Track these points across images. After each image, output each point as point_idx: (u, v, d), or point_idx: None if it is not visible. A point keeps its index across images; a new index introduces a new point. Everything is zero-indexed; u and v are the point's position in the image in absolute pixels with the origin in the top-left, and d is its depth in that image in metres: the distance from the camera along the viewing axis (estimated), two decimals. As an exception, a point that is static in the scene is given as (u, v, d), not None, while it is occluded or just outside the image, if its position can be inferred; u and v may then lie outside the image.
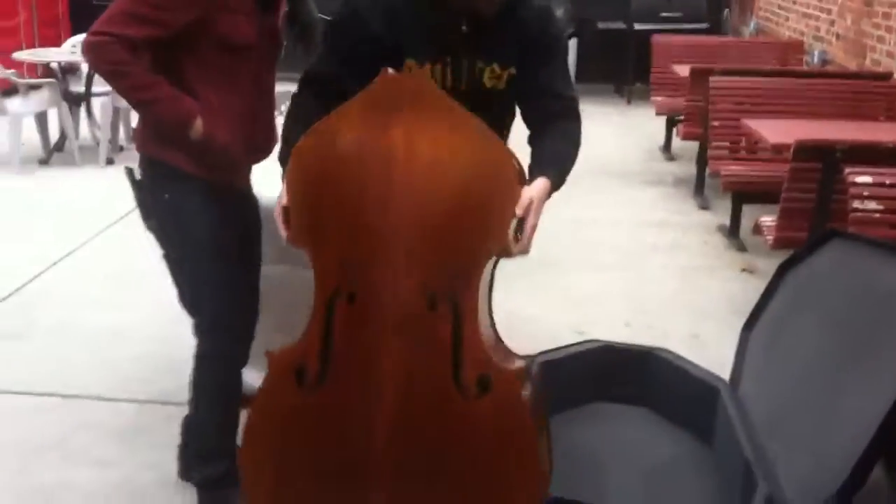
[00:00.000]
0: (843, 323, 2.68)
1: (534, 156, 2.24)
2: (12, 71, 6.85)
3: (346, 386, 2.10)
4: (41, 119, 6.85)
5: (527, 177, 2.15)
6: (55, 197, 5.99)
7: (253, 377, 3.14)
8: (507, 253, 2.07)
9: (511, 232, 2.03)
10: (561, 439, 2.99)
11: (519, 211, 2.03)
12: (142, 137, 2.51)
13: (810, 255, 2.99)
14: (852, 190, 3.05)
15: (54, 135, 6.98)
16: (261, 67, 2.48)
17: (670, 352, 3.23)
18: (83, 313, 4.12)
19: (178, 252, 2.55)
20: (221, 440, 2.57)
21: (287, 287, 3.07)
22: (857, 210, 3.05)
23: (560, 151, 2.26)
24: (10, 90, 6.79)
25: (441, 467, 2.11)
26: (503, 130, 2.45)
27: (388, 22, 2.22)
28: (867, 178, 3.04)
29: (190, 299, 2.59)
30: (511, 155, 2.08)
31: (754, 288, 4.46)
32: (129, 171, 2.58)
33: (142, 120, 2.51)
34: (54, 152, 6.90)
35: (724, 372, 3.07)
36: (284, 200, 2.13)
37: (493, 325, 2.32)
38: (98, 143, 6.86)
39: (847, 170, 3.10)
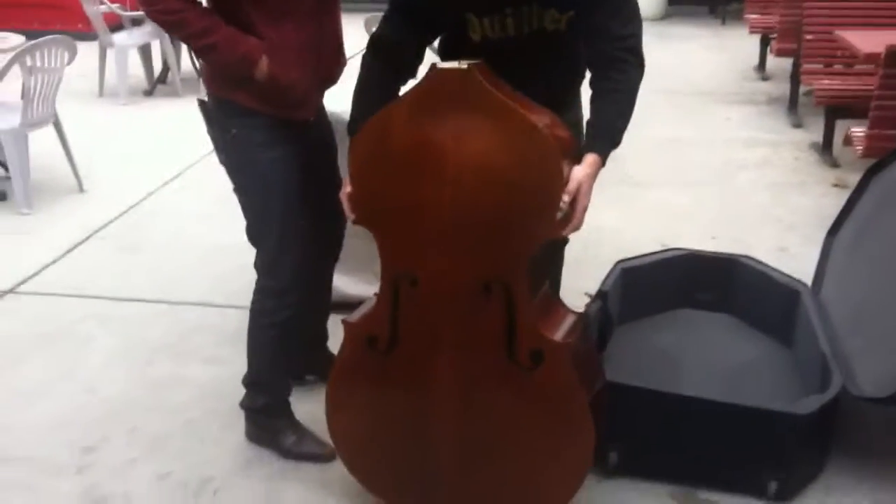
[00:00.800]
0: (925, 222, 2.71)
1: (589, 122, 2.22)
2: (117, 5, 7.12)
3: (412, 355, 2.29)
4: (145, 52, 7.13)
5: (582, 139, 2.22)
6: (161, 125, 6.28)
7: (351, 285, 3.37)
8: (557, 237, 2.17)
9: (560, 215, 2.09)
10: (643, 343, 3.11)
11: (566, 197, 2.05)
12: (208, 75, 2.49)
13: (895, 159, 2.99)
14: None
15: (158, 67, 7.26)
16: None
17: (752, 258, 3.29)
18: (192, 229, 4.38)
19: (243, 186, 2.56)
20: (271, 375, 2.67)
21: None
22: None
23: (612, 117, 2.21)
24: (115, 25, 7.08)
25: (498, 427, 2.27)
26: (577, 72, 2.48)
27: None
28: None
29: (252, 234, 2.61)
30: (559, 141, 2.11)
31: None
32: (202, 104, 2.57)
33: None
34: (157, 84, 7.18)
35: (810, 281, 3.13)
36: (348, 188, 2.23)
37: (548, 288, 2.43)
38: (199, 76, 7.12)
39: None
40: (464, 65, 2.12)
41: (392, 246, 2.26)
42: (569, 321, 2.37)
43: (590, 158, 2.13)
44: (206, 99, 2.53)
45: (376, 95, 2.29)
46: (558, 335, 2.27)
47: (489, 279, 2.19)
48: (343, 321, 2.37)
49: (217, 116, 2.50)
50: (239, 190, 2.57)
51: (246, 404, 2.72)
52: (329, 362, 2.78)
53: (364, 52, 2.37)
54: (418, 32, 2.33)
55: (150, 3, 2.28)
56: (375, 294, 2.37)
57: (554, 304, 2.44)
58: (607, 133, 2.19)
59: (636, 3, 2.29)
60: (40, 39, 4.53)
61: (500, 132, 2.10)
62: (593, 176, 2.12)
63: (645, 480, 2.54)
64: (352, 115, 2.34)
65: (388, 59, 2.33)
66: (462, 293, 2.21)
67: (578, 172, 2.10)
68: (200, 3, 2.34)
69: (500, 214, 2.14)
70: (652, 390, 2.51)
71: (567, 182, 2.09)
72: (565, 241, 2.67)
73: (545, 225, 2.13)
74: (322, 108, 2.67)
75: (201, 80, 2.51)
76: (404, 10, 2.32)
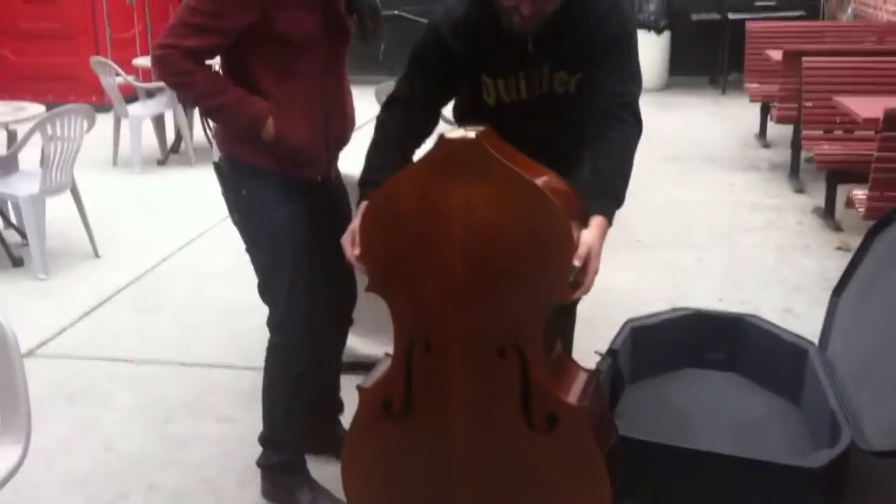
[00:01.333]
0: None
1: (591, 182, 2.28)
2: (132, 76, 7.30)
3: (427, 419, 2.33)
4: (159, 122, 7.29)
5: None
6: (175, 192, 6.40)
7: (364, 346, 3.42)
8: (566, 301, 2.22)
9: (571, 278, 2.15)
10: (653, 401, 3.16)
11: (577, 262, 2.09)
12: (221, 136, 2.55)
13: (899, 217, 3.07)
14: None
15: (171, 137, 7.41)
16: (329, 59, 2.50)
17: (759, 318, 3.35)
18: (206, 291, 4.46)
19: (253, 244, 2.60)
20: (285, 431, 2.69)
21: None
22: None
23: (611, 177, 2.27)
24: (129, 97, 7.24)
25: (516, 488, 2.31)
26: (583, 134, 2.45)
27: (466, 44, 2.34)
28: (953, 141, 3.10)
29: (263, 291, 2.65)
30: (567, 205, 2.16)
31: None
32: (217, 166, 2.60)
33: None
34: (171, 153, 7.33)
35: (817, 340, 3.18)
36: (356, 224, 2.27)
37: (561, 348, 2.47)
38: (211, 144, 7.25)
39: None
40: (471, 133, 2.18)
41: (404, 312, 2.31)
42: (582, 380, 2.41)
43: (596, 221, 2.18)
44: (219, 161, 2.59)
45: (390, 155, 2.35)
46: (573, 398, 2.31)
47: (503, 344, 2.23)
48: (358, 387, 2.41)
49: (230, 177, 2.55)
50: (250, 248, 2.62)
51: (262, 462, 2.75)
52: (342, 440, 2.84)
53: (379, 113, 2.44)
54: (434, 93, 2.42)
55: (161, 66, 2.34)
56: (388, 355, 2.43)
57: (567, 364, 2.49)
58: (609, 192, 2.25)
59: (638, 67, 2.38)
60: (60, 108, 4.66)
61: (509, 199, 2.15)
62: (601, 238, 2.17)
63: (659, 535, 2.56)
64: (362, 176, 2.38)
65: (404, 119, 2.40)
66: (476, 358, 2.25)
67: (587, 236, 2.14)
68: (210, 66, 2.41)
69: (511, 280, 2.18)
70: (666, 445, 2.55)
71: (577, 246, 2.14)
72: (576, 300, 2.74)
73: (556, 289, 2.18)
74: (336, 169, 2.73)
75: (214, 143, 2.60)
76: (422, 70, 2.40)
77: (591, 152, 2.33)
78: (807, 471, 2.46)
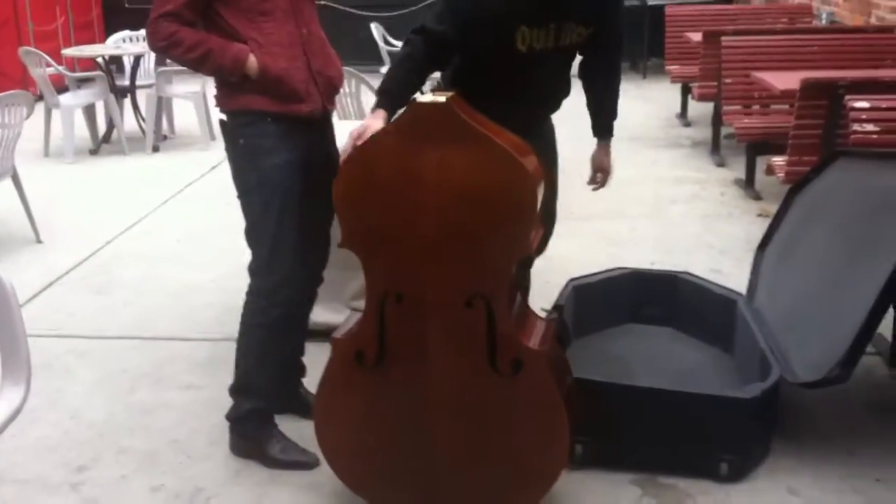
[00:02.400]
0: (847, 225, 3.02)
1: (595, 113, 3.10)
2: (63, 66, 7.25)
3: (399, 368, 2.49)
4: (89, 112, 7.27)
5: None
6: (110, 180, 6.41)
7: (320, 314, 3.54)
8: (531, 253, 2.43)
9: (596, 187, 2.96)
10: (596, 353, 3.35)
11: (600, 175, 3.10)
12: (219, 96, 2.72)
13: (817, 175, 3.32)
14: (852, 115, 3.38)
15: (102, 127, 7.39)
16: (295, 2, 2.67)
17: (692, 274, 3.58)
18: (155, 271, 4.52)
19: (245, 189, 2.71)
20: (258, 377, 2.79)
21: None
22: (856, 132, 3.38)
23: (613, 109, 3.10)
24: (59, 88, 7.20)
25: (486, 429, 2.48)
26: (568, 89, 3.00)
27: (510, 8, 2.66)
28: (865, 104, 3.37)
29: (249, 235, 2.75)
30: (532, 166, 2.37)
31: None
32: (222, 123, 2.75)
33: (216, 81, 2.73)
34: (103, 143, 7.31)
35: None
36: (360, 126, 2.50)
37: (523, 299, 2.67)
38: (144, 133, 7.27)
39: (847, 97, 3.43)
40: (442, 98, 2.36)
41: (377, 266, 2.46)
42: (541, 327, 2.60)
43: (606, 146, 3.10)
44: (224, 119, 2.73)
45: (411, 73, 2.69)
46: (534, 343, 2.49)
47: (471, 294, 2.39)
48: (331, 337, 2.54)
49: (231, 129, 2.70)
50: (241, 194, 2.73)
51: (232, 415, 2.85)
52: (306, 401, 2.96)
53: (409, 35, 2.73)
54: (460, 37, 2.70)
55: (151, 36, 2.60)
56: (358, 310, 2.57)
57: (528, 313, 2.66)
58: (610, 123, 3.10)
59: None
60: (1, 94, 4.66)
61: (478, 159, 2.32)
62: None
63: (609, 471, 2.75)
64: (382, 85, 2.67)
65: (429, 49, 2.69)
66: (445, 308, 2.41)
67: (606, 161, 3.10)
68: (193, 25, 2.62)
69: (480, 234, 2.35)
70: (613, 383, 2.75)
71: (537, 206, 2.35)
72: (531, 259, 2.94)
73: (523, 243, 2.37)
74: (330, 119, 2.86)
75: (215, 100, 2.75)
76: (461, 19, 2.68)
77: (597, 86, 3.07)
78: (742, 401, 2.68)
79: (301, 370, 3.09)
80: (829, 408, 3.09)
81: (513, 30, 2.67)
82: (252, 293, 2.76)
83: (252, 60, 2.59)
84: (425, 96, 2.40)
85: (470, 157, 2.32)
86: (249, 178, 2.69)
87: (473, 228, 2.35)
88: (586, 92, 3.09)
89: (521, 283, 2.75)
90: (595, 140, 3.15)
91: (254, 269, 2.75)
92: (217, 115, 2.76)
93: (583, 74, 3.05)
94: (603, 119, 3.10)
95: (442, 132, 2.33)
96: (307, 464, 2.78)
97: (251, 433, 2.83)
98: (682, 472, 2.73)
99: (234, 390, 2.85)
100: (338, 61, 2.83)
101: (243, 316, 2.78)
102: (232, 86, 2.65)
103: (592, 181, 3.16)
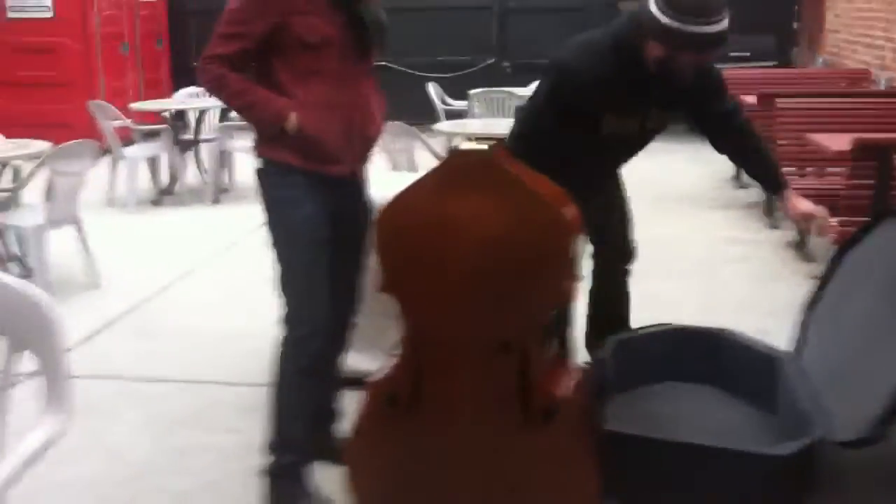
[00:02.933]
0: (893, 286, 2.97)
1: (763, 172, 3.18)
2: (130, 120, 7.50)
3: (431, 412, 2.51)
4: (153, 164, 7.48)
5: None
6: (169, 230, 6.57)
7: (361, 361, 3.57)
8: (569, 301, 2.47)
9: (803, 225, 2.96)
10: (635, 410, 3.32)
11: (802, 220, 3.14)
12: (256, 143, 2.77)
13: (866, 235, 3.28)
14: (901, 177, 3.35)
15: (166, 179, 7.60)
16: (349, 60, 2.68)
17: (735, 332, 3.54)
18: (204, 318, 4.61)
19: (275, 240, 2.74)
20: (292, 429, 2.76)
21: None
22: (905, 195, 3.35)
23: (774, 163, 3.18)
24: (125, 142, 7.44)
25: (515, 477, 2.48)
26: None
27: (602, 95, 2.82)
28: (914, 166, 3.33)
29: (280, 285, 2.75)
30: (570, 217, 2.41)
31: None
32: (257, 172, 2.79)
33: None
34: (165, 195, 7.50)
35: (790, 356, 3.36)
36: None
37: (555, 347, 2.69)
38: (205, 185, 7.46)
39: (896, 157, 3.40)
40: (484, 146, 2.41)
41: (413, 310, 2.49)
42: (575, 377, 2.60)
43: (791, 192, 3.12)
44: (258, 167, 2.79)
45: None
46: (568, 392, 2.49)
47: (504, 341, 2.41)
48: (366, 381, 2.58)
49: (265, 178, 2.76)
50: (273, 245, 2.77)
51: (267, 468, 2.79)
52: (338, 448, 2.91)
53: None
54: (563, 126, 2.90)
55: (201, 74, 2.68)
56: (394, 355, 2.59)
57: (562, 361, 2.67)
58: (776, 174, 3.13)
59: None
60: (67, 143, 4.85)
61: (514, 207, 2.36)
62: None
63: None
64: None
65: (536, 145, 2.88)
66: (479, 354, 2.43)
67: (802, 203, 3.09)
68: (243, 72, 2.67)
69: (514, 282, 2.37)
70: (649, 438, 2.72)
71: (571, 255, 2.38)
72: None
73: (559, 292, 2.39)
74: (363, 180, 2.89)
75: (254, 149, 2.79)
76: (559, 110, 2.90)
77: (745, 151, 3.18)
78: (776, 458, 2.63)
79: (333, 416, 3.08)
80: (871, 472, 3.01)
81: (600, 118, 2.81)
82: (284, 343, 2.77)
83: (293, 118, 2.63)
84: (467, 144, 2.44)
85: (506, 204, 2.35)
86: (277, 228, 2.74)
87: (507, 276, 2.38)
88: (736, 164, 3.37)
89: (557, 331, 2.74)
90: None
91: (285, 319, 2.77)
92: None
93: (719, 149, 3.20)
94: (770, 175, 3.16)
95: (481, 179, 2.37)
96: None
97: (286, 490, 2.78)
98: (717, 530, 2.68)
99: (269, 445, 2.81)
100: (379, 118, 2.84)
101: (277, 364, 2.78)
102: (268, 134, 2.70)
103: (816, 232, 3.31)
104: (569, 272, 2.38)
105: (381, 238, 2.48)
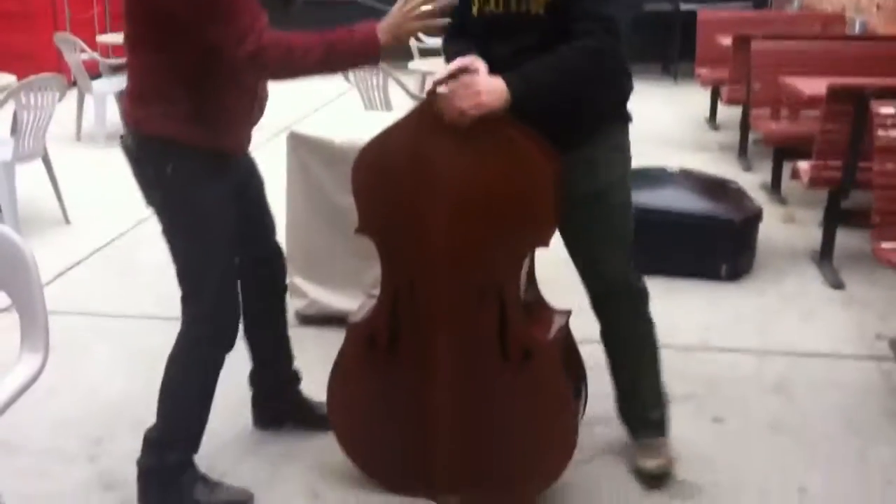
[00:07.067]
0: None
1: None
2: (97, 52, 7.34)
3: (410, 354, 2.52)
4: (122, 98, 7.33)
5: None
6: (140, 166, 6.46)
7: (340, 302, 3.57)
8: (546, 245, 2.39)
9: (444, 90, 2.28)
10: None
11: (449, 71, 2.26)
12: (136, 114, 2.36)
13: None
14: (877, 120, 3.36)
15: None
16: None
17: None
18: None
19: (180, 226, 2.45)
20: (194, 427, 2.55)
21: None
22: (881, 138, 3.37)
23: (537, 66, 2.28)
24: (93, 74, 7.29)
25: (493, 415, 2.50)
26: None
27: None
28: (891, 109, 3.35)
29: (186, 279, 2.48)
30: (547, 162, 2.34)
31: (794, 235, 4.79)
32: (126, 144, 2.41)
33: (129, 97, 2.38)
34: (134, 130, 7.37)
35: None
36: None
37: (534, 288, 2.68)
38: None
39: (873, 102, 3.41)
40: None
41: (392, 253, 2.49)
42: (553, 318, 2.61)
43: (498, 80, 2.25)
44: (128, 138, 2.40)
45: (461, 43, 2.44)
46: (546, 334, 2.51)
47: (484, 284, 2.41)
48: (347, 323, 2.58)
49: (147, 153, 2.38)
50: (174, 231, 2.45)
51: (150, 464, 2.53)
52: (307, 407, 2.91)
53: None
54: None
55: (260, 60, 2.21)
56: (373, 295, 2.59)
57: (540, 302, 2.68)
58: (524, 73, 2.28)
59: None
60: (33, 77, 4.74)
61: (494, 152, 2.34)
62: (488, 87, 2.24)
63: (616, 462, 2.77)
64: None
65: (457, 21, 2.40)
66: (458, 296, 2.43)
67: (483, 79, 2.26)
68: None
69: (493, 225, 2.37)
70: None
71: (551, 198, 2.32)
72: None
73: (538, 235, 2.38)
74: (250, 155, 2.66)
75: (125, 120, 2.42)
76: None
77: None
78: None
79: (296, 377, 2.97)
80: (844, 412, 3.08)
81: None
82: (193, 340, 2.48)
83: (383, 32, 2.24)
84: (444, 87, 2.40)
85: (484, 147, 2.34)
86: (182, 211, 2.42)
87: (487, 218, 2.37)
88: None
89: (533, 274, 2.73)
90: None
91: (192, 316, 2.47)
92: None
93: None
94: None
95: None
96: (240, 502, 2.59)
97: (173, 480, 2.53)
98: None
99: (158, 442, 2.52)
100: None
101: (180, 363, 2.51)
102: (157, 105, 2.33)
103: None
104: (546, 214, 2.37)
105: (358, 179, 2.46)
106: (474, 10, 2.44)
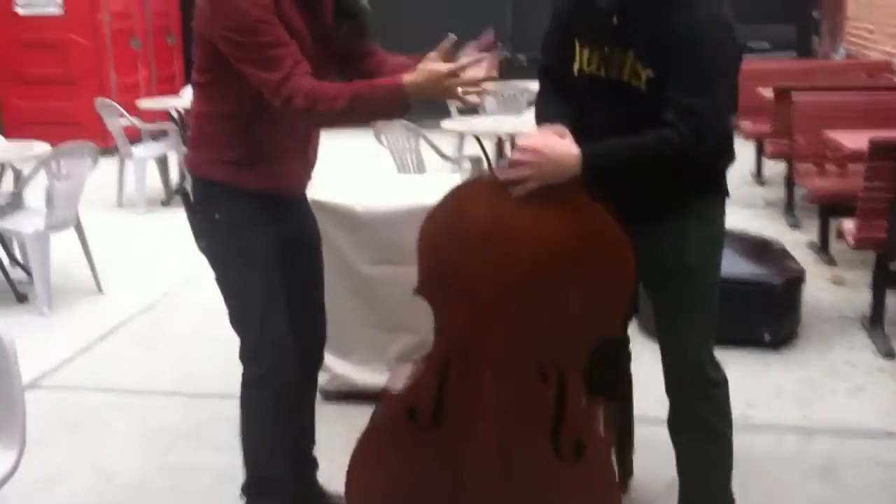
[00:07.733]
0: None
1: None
2: (137, 119, 7.41)
3: (453, 431, 2.32)
4: (162, 164, 7.39)
5: None
6: (178, 230, 6.41)
7: (362, 376, 3.47)
8: (616, 334, 2.27)
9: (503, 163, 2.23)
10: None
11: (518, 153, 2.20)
12: (193, 160, 2.48)
13: None
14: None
15: (175, 178, 7.51)
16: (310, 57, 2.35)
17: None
18: (208, 324, 4.49)
19: (226, 270, 2.51)
20: (274, 468, 2.56)
21: (385, 286, 3.37)
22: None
23: (617, 142, 2.21)
24: (134, 140, 7.36)
25: None
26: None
27: (569, 9, 2.39)
28: (936, 169, 3.18)
29: (235, 320, 2.54)
30: (630, 241, 2.18)
31: (842, 298, 4.59)
32: (185, 193, 2.56)
33: (189, 143, 2.52)
34: (174, 194, 7.41)
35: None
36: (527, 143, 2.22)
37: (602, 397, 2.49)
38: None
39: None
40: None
41: (448, 318, 2.31)
42: (603, 411, 2.42)
43: (575, 147, 2.17)
44: (188, 188, 2.55)
45: (550, 106, 2.41)
46: (601, 429, 2.33)
47: (545, 366, 2.24)
48: (384, 391, 2.43)
49: (203, 201, 2.49)
50: (220, 274, 2.53)
51: None
52: (323, 498, 2.76)
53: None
54: (561, 60, 2.42)
55: (291, 96, 2.24)
56: (417, 364, 2.42)
57: (599, 399, 2.45)
58: (603, 146, 2.21)
59: (718, 82, 2.23)
60: (64, 145, 4.76)
61: (581, 222, 2.18)
62: (557, 153, 2.17)
63: None
64: (537, 119, 2.40)
65: (553, 82, 2.46)
66: (515, 375, 2.26)
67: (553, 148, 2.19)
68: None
69: (565, 301, 2.21)
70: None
71: (631, 282, 2.20)
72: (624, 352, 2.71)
73: (608, 320, 2.24)
74: (305, 194, 2.67)
75: (185, 166, 2.53)
76: (550, 37, 2.46)
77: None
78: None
79: (313, 463, 2.85)
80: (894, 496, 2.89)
81: (573, 41, 2.36)
82: (248, 383, 2.54)
83: (409, 82, 2.23)
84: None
85: (573, 217, 2.19)
86: (227, 253, 2.50)
87: (560, 292, 2.21)
88: None
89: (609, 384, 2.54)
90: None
91: (245, 357, 2.54)
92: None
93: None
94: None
95: (542, 188, 2.18)
96: None
97: None
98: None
99: (250, 488, 2.61)
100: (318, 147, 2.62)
101: (244, 407, 2.57)
102: (209, 150, 2.43)
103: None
104: (623, 298, 2.22)
105: (425, 239, 2.30)
106: (575, 67, 2.36)
